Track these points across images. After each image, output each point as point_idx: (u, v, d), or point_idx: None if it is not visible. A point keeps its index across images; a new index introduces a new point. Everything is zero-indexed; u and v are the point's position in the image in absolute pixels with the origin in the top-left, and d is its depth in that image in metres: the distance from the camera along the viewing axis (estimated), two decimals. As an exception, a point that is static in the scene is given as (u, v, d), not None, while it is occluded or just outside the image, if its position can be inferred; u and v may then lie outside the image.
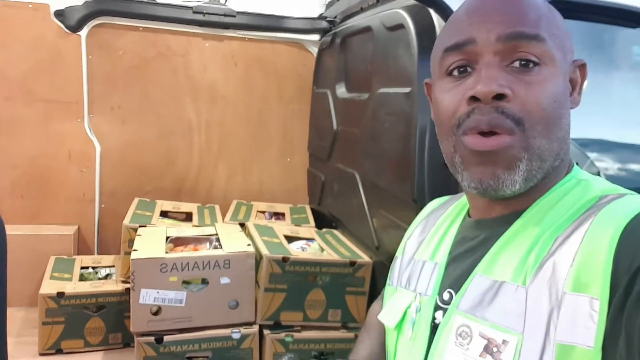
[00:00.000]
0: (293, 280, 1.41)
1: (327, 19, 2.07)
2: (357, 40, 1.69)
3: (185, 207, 1.93)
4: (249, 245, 1.46)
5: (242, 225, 1.75)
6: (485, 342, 0.49)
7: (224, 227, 1.69)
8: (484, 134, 0.51)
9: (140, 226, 1.62)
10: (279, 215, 2.01)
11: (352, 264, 1.45)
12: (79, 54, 1.90)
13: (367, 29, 1.55)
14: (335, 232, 1.76)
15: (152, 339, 1.31)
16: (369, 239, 1.49)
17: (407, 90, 1.24)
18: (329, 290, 1.44)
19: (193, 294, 1.36)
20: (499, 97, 0.50)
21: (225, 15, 2.00)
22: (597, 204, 0.50)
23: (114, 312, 1.53)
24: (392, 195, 1.33)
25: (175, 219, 1.86)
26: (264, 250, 1.41)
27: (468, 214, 0.63)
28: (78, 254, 1.86)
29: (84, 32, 1.90)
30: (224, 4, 2.02)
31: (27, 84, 1.88)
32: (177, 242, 1.53)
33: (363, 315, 1.46)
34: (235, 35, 2.09)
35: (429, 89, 0.62)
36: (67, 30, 1.88)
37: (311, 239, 1.65)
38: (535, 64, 0.51)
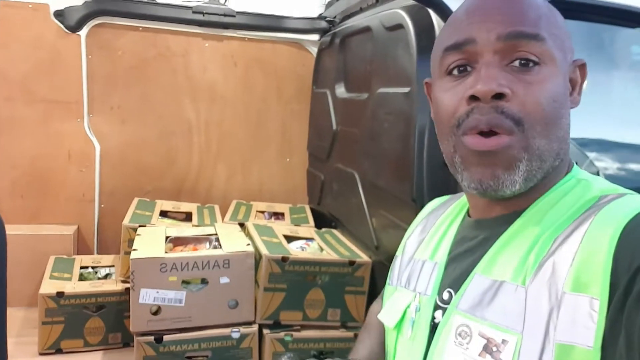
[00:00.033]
0: (292, 279, 1.41)
1: (327, 19, 2.07)
2: (356, 40, 1.69)
3: (185, 207, 1.93)
4: (248, 245, 1.46)
5: (242, 225, 1.75)
6: (485, 341, 0.49)
7: (223, 227, 1.69)
8: (483, 133, 0.51)
9: (139, 226, 1.62)
10: (278, 215, 2.01)
11: (352, 263, 1.45)
12: (78, 54, 1.90)
13: (367, 29, 1.55)
14: (335, 231, 1.76)
15: (151, 338, 1.32)
16: (368, 239, 1.49)
17: (406, 90, 1.25)
18: (328, 290, 1.44)
19: (193, 294, 1.36)
20: (499, 96, 0.50)
21: (224, 15, 2.00)
22: (596, 203, 0.50)
23: (113, 311, 1.53)
24: (392, 195, 1.33)
25: (174, 218, 1.86)
26: (264, 250, 1.41)
27: (468, 213, 0.63)
28: (78, 254, 1.86)
29: (83, 32, 1.90)
30: (224, 4, 2.02)
31: (27, 84, 1.88)
32: (176, 242, 1.53)
33: (362, 315, 1.46)
34: (234, 35, 2.09)
35: (429, 88, 0.62)
36: (67, 30, 1.88)
37: (311, 239, 1.65)
38: (535, 63, 0.51)
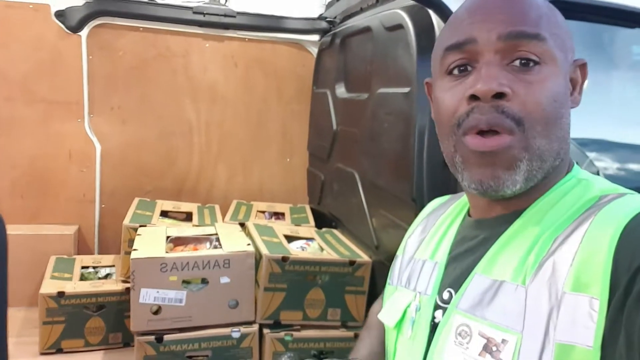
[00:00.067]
0: (293, 279, 1.41)
1: (327, 19, 2.07)
2: (356, 40, 1.70)
3: (186, 207, 1.93)
4: (248, 244, 1.47)
5: (242, 225, 1.75)
6: (485, 341, 0.49)
7: (224, 226, 1.69)
8: (483, 133, 0.51)
9: (140, 226, 1.62)
10: (278, 215, 2.01)
11: (352, 263, 1.45)
12: (79, 54, 1.90)
13: (367, 29, 1.55)
14: (335, 231, 1.76)
15: (152, 338, 1.32)
16: (368, 239, 1.49)
17: (406, 90, 1.25)
18: (328, 290, 1.44)
19: (193, 294, 1.37)
20: (499, 95, 0.50)
21: (225, 15, 2.00)
22: (597, 203, 0.50)
23: (114, 311, 1.54)
24: (392, 195, 1.33)
25: (175, 218, 1.86)
26: (264, 250, 1.41)
27: (468, 213, 0.63)
28: (78, 254, 1.86)
29: (84, 33, 1.91)
30: (224, 5, 2.03)
31: (28, 84, 1.88)
32: (177, 241, 1.54)
33: (362, 315, 1.46)
34: (235, 35, 2.09)
35: (430, 88, 0.62)
36: (68, 31, 1.88)
37: (311, 239, 1.65)
38: (536, 63, 0.51)
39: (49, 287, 1.50)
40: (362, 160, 1.54)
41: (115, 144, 2.00)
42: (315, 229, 1.80)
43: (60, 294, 1.47)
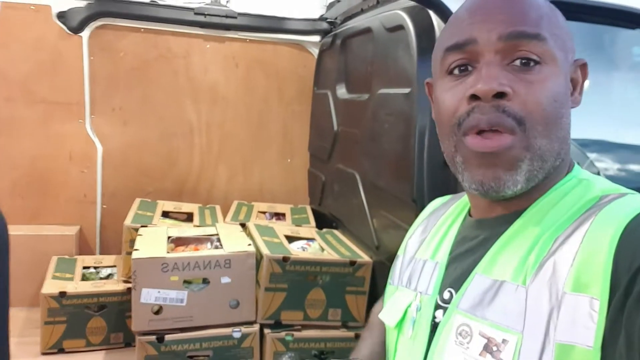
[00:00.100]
0: (293, 279, 1.42)
1: (328, 20, 2.07)
2: (357, 41, 1.70)
3: (186, 207, 1.93)
4: (249, 245, 1.47)
5: (243, 225, 1.76)
6: (485, 341, 0.49)
7: (224, 227, 1.70)
8: (484, 133, 0.51)
9: (141, 226, 1.62)
10: (279, 216, 2.01)
11: (352, 263, 1.45)
12: (80, 55, 1.91)
13: (367, 30, 1.55)
14: (336, 232, 1.76)
15: (153, 338, 1.32)
16: (369, 239, 1.49)
17: (406, 90, 1.25)
18: (329, 290, 1.45)
19: (194, 294, 1.37)
20: (500, 95, 0.50)
21: (226, 16, 2.00)
22: (597, 203, 0.50)
23: (115, 311, 1.54)
24: (392, 196, 1.33)
25: (176, 219, 1.86)
26: (265, 250, 1.41)
27: (469, 213, 0.63)
28: (79, 254, 1.86)
29: (85, 34, 1.91)
30: (225, 6, 2.03)
31: (28, 85, 1.89)
32: (178, 242, 1.54)
33: (363, 315, 1.46)
34: (236, 36, 2.09)
35: (430, 88, 0.62)
36: (69, 32, 1.88)
37: (312, 239, 1.65)
38: (536, 62, 0.51)
39: (51, 287, 1.50)
40: (362, 161, 1.54)
41: (116, 145, 2.00)
42: (316, 229, 1.81)
43: (62, 294, 1.48)
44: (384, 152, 1.38)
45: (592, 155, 1.23)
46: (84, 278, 1.65)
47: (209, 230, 1.62)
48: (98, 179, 1.97)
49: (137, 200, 1.90)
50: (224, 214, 1.92)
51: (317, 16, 2.11)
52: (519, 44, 0.51)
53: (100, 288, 1.55)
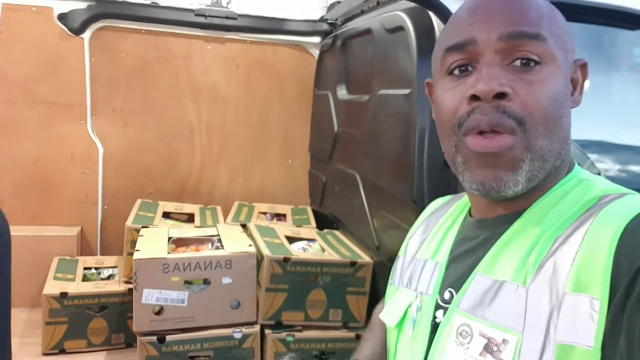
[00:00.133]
0: (294, 280, 1.42)
1: (328, 21, 2.08)
2: (357, 42, 1.70)
3: (187, 208, 1.94)
4: (250, 245, 1.47)
5: (244, 226, 1.76)
6: (486, 341, 0.49)
7: (225, 227, 1.70)
8: (484, 133, 0.51)
9: (142, 227, 1.62)
10: (280, 217, 2.01)
11: (353, 264, 1.45)
12: (81, 56, 1.91)
13: (368, 31, 1.55)
14: (336, 232, 1.76)
15: (154, 338, 1.32)
16: (369, 240, 1.50)
17: (406, 91, 1.25)
18: (329, 290, 1.45)
19: (195, 294, 1.37)
20: (500, 96, 0.50)
21: (227, 17, 2.01)
22: (597, 203, 0.50)
23: (116, 312, 1.54)
24: (392, 196, 1.33)
25: (177, 220, 1.87)
26: (266, 251, 1.41)
27: (469, 213, 0.63)
28: (81, 255, 1.86)
29: (86, 35, 1.91)
30: (226, 7, 2.03)
31: (30, 86, 1.89)
32: (179, 242, 1.54)
33: (364, 315, 1.46)
34: (236, 37, 2.09)
35: (430, 89, 0.62)
36: (70, 33, 1.89)
37: (312, 240, 1.65)
38: (536, 62, 0.51)
39: (52, 287, 1.50)
40: (363, 161, 1.54)
41: (117, 146, 2.01)
42: (317, 230, 1.81)
43: (63, 295, 1.48)
44: (384, 153, 1.39)
45: (592, 156, 1.23)
46: (85, 279, 1.65)
47: (210, 231, 1.62)
48: (99, 180, 1.98)
49: (138, 201, 1.90)
50: (225, 215, 1.92)
51: (317, 17, 2.12)
52: (519, 44, 0.51)
53: (101, 289, 1.55)
